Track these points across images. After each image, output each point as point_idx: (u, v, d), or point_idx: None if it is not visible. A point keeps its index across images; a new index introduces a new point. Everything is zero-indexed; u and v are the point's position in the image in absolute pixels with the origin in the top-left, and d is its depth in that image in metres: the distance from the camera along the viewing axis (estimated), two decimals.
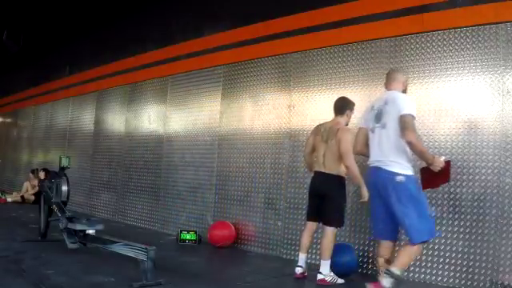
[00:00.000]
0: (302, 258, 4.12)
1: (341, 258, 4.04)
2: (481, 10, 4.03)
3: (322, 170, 4.06)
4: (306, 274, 4.13)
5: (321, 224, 4.15)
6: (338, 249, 4.09)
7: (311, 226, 4.17)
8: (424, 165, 3.27)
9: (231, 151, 5.85)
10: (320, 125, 4.23)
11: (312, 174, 4.23)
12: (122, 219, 7.30)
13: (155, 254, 3.48)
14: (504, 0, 3.92)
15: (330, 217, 4.00)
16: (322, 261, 3.92)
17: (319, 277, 3.89)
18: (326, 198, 4.01)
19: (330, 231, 3.95)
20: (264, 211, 5.37)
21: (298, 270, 4.08)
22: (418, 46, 4.38)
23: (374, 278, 4.19)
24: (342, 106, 4.17)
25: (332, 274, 3.91)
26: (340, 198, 4.03)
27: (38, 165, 9.73)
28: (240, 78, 5.90)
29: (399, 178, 3.20)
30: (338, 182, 4.03)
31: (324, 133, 4.10)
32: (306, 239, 4.15)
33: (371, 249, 4.39)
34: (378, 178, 3.33)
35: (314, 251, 4.67)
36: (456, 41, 4.16)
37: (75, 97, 9.22)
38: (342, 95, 4.47)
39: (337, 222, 4.00)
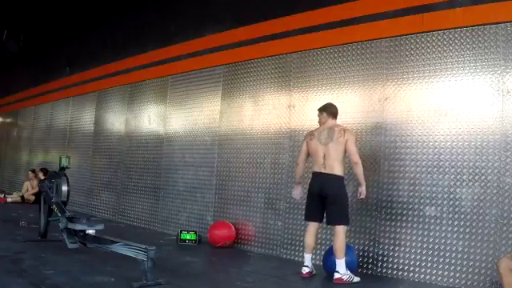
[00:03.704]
0: (307, 258, 4.17)
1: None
2: (481, 9, 4.03)
3: (323, 171, 4.11)
4: (314, 273, 4.17)
5: (325, 224, 4.21)
6: None
7: (313, 226, 4.22)
8: None
9: (231, 151, 5.85)
10: (312, 131, 4.35)
11: (311, 177, 4.26)
12: (122, 219, 7.30)
13: (155, 254, 3.49)
14: (504, 0, 3.92)
15: (338, 216, 4.06)
16: (337, 260, 3.94)
17: (336, 276, 3.91)
18: (330, 199, 4.07)
19: (341, 230, 4.00)
20: (264, 211, 5.37)
21: (305, 270, 4.12)
22: (417, 46, 4.38)
23: (373, 278, 4.22)
24: (336, 112, 4.33)
25: (348, 272, 3.94)
26: (344, 196, 4.11)
27: (38, 165, 9.74)
28: (240, 78, 5.90)
29: None
30: (339, 182, 4.11)
31: (321, 136, 4.19)
32: (310, 240, 4.19)
33: (371, 249, 4.40)
34: None
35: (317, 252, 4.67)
36: (456, 41, 4.16)
37: (75, 97, 9.22)
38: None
39: (345, 219, 4.08)
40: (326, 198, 4.09)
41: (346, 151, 4.09)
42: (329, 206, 4.09)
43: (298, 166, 4.42)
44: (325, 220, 4.19)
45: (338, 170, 4.08)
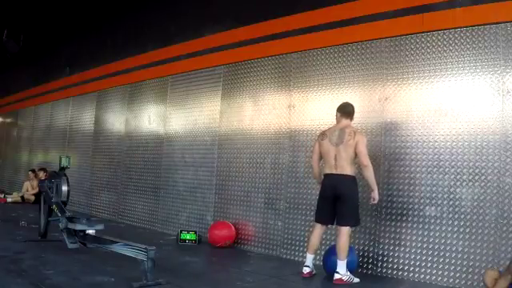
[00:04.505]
0: (309, 258, 4.16)
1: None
2: (481, 9, 4.03)
3: (335, 172, 4.09)
4: (314, 273, 4.16)
5: (334, 225, 4.19)
6: None
7: (321, 228, 4.21)
8: None
9: (231, 151, 5.85)
10: (324, 131, 4.32)
11: (322, 178, 4.25)
12: (122, 219, 7.30)
13: (155, 254, 3.49)
14: (504, 0, 3.92)
15: (347, 217, 4.04)
16: (338, 261, 3.94)
17: (336, 276, 3.91)
18: (341, 199, 4.04)
19: (345, 231, 3.99)
20: (264, 211, 5.37)
21: (306, 270, 4.12)
22: (418, 45, 4.38)
23: (373, 278, 4.22)
24: (352, 111, 4.28)
25: (348, 273, 3.94)
26: (355, 197, 4.09)
27: (38, 165, 9.75)
28: (240, 78, 5.90)
29: None
30: (352, 182, 4.08)
31: (332, 136, 4.16)
32: (316, 240, 4.18)
33: (371, 249, 4.40)
34: None
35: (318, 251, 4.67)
36: (456, 41, 4.16)
37: (75, 97, 9.22)
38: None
39: (354, 221, 4.06)
40: (339, 198, 4.06)
41: (356, 153, 4.05)
42: (340, 206, 4.06)
43: (313, 167, 4.38)
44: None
45: (349, 170, 4.05)
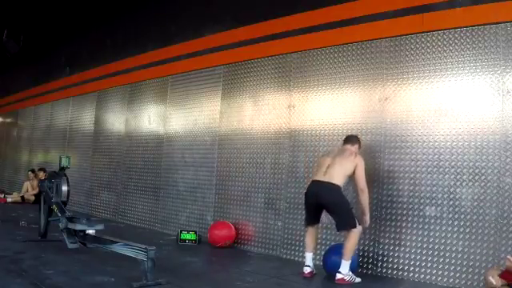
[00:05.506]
0: (308, 257, 4.19)
1: (341, 258, 4.04)
2: (481, 9, 4.03)
3: (321, 179, 4.10)
4: (314, 273, 4.17)
5: (324, 224, 4.26)
6: (338, 249, 4.10)
7: (312, 229, 4.26)
8: None
9: (231, 151, 5.85)
10: (326, 152, 4.51)
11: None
12: (122, 219, 7.30)
13: (155, 254, 3.49)
14: (504, 0, 3.92)
15: (345, 223, 4.02)
16: (342, 261, 3.94)
17: (338, 276, 3.92)
18: (329, 208, 4.08)
19: (354, 232, 3.97)
20: (264, 211, 5.37)
21: (306, 270, 4.14)
22: (418, 46, 4.38)
23: (373, 278, 4.22)
24: (355, 140, 4.35)
25: (350, 273, 3.94)
26: (343, 202, 4.07)
27: (38, 165, 9.75)
28: (240, 78, 5.90)
29: None
30: (336, 188, 4.06)
31: (331, 153, 4.27)
32: (310, 240, 4.24)
33: (371, 249, 4.40)
34: None
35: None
36: (456, 41, 4.16)
37: (75, 97, 9.22)
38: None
39: (354, 222, 4.03)
40: (324, 207, 4.10)
41: (352, 173, 4.08)
42: (332, 215, 4.10)
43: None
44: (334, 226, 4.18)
45: (336, 180, 4.04)
